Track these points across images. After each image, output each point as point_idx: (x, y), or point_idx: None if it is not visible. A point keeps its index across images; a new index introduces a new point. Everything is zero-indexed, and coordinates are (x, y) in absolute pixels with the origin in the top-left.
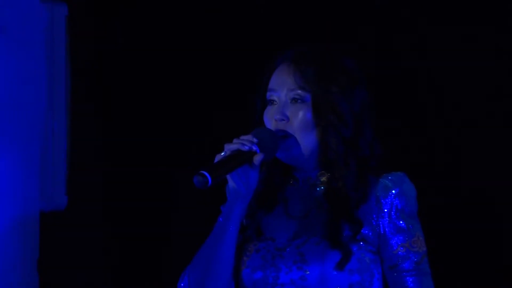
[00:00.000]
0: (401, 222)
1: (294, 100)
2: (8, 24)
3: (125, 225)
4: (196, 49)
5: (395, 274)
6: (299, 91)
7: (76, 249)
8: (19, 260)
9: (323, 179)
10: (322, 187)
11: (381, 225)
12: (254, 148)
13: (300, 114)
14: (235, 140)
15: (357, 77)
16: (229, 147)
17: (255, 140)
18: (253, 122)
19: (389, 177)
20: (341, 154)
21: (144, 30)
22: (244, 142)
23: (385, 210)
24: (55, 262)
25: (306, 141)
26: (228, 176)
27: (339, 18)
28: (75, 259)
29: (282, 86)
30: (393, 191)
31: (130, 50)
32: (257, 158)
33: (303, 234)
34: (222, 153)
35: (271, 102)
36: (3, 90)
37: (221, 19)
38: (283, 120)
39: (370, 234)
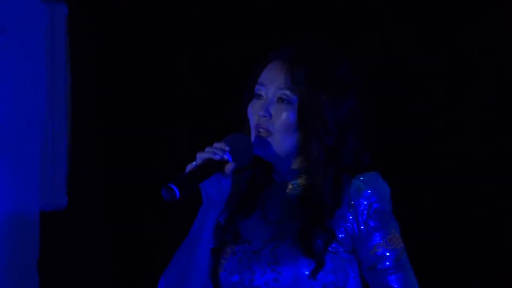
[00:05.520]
0: (375, 222)
1: (281, 99)
2: (8, 24)
3: (125, 225)
4: (198, 46)
5: (375, 274)
6: (287, 92)
7: (76, 248)
8: (19, 259)
9: (300, 181)
10: (299, 190)
11: (355, 227)
12: (226, 156)
13: (284, 114)
14: (207, 149)
15: (349, 84)
16: (201, 156)
17: (227, 148)
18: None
19: (361, 178)
20: (322, 162)
21: (144, 29)
22: (215, 151)
23: (358, 212)
24: (55, 261)
25: (285, 142)
26: (200, 185)
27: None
28: (75, 258)
29: (271, 82)
30: (366, 192)
31: (131, 49)
32: (229, 167)
33: (278, 237)
34: (194, 163)
35: (258, 96)
36: (3, 90)
37: (219, 14)
38: (266, 117)
39: (344, 236)
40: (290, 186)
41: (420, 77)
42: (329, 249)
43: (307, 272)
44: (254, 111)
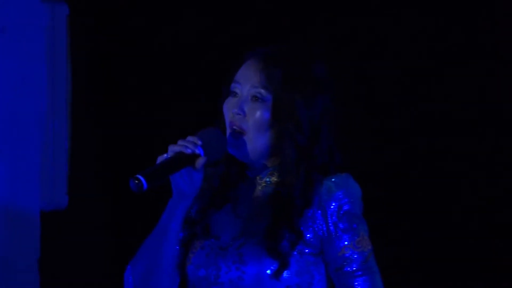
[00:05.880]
0: (344, 223)
1: (255, 97)
2: (8, 24)
3: (126, 225)
4: (198, 47)
5: (342, 276)
6: (262, 90)
7: (77, 248)
8: (20, 259)
9: (273, 179)
10: (270, 188)
11: (323, 228)
12: (198, 151)
13: (258, 113)
14: (179, 142)
15: (323, 84)
16: (173, 149)
17: (199, 142)
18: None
19: (333, 179)
20: (293, 161)
21: (144, 29)
22: (187, 145)
23: (328, 213)
24: (56, 261)
25: (258, 141)
26: (170, 177)
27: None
28: (75, 258)
29: (247, 81)
30: (336, 194)
31: (131, 49)
32: (200, 162)
33: (245, 234)
34: (165, 155)
35: (233, 93)
36: (3, 90)
37: (219, 15)
38: (240, 114)
39: (311, 236)
40: (262, 184)
41: (416, 77)
42: (295, 250)
43: (269, 272)
44: (229, 108)
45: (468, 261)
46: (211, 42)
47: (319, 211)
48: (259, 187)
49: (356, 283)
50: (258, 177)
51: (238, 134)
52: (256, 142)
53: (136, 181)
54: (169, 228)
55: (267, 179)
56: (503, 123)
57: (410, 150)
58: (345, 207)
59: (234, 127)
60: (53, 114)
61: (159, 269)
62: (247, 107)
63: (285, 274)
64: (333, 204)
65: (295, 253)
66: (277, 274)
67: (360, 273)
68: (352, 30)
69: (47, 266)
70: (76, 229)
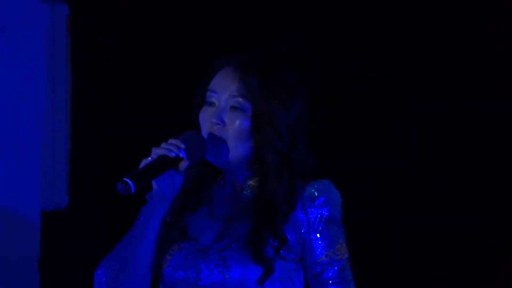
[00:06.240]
0: (325, 230)
1: (234, 107)
2: (8, 24)
3: (126, 225)
4: (198, 47)
5: (318, 283)
6: (240, 99)
7: (77, 248)
8: (20, 259)
9: (251, 182)
10: (249, 191)
11: (306, 234)
12: (181, 154)
13: (237, 122)
14: (162, 145)
15: (297, 90)
16: (156, 152)
17: (182, 145)
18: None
19: (315, 185)
20: (276, 167)
21: (144, 29)
22: (171, 148)
23: (310, 219)
24: (56, 261)
25: (238, 149)
26: (153, 181)
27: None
28: (76, 258)
29: (224, 90)
30: (319, 200)
31: (131, 49)
32: (183, 165)
33: (226, 237)
34: (149, 158)
35: (210, 103)
36: (3, 90)
37: (219, 15)
38: (219, 124)
39: (294, 241)
40: (239, 186)
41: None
42: (279, 256)
43: (255, 278)
44: (206, 118)
45: (468, 261)
46: (211, 42)
47: (301, 216)
48: (236, 190)
49: None
50: (235, 180)
51: (218, 141)
52: (236, 151)
53: (124, 184)
54: (147, 229)
55: (246, 183)
56: (503, 123)
57: (410, 149)
58: (327, 214)
59: (214, 137)
60: (53, 114)
61: (134, 269)
62: (226, 117)
63: (269, 280)
64: (316, 210)
65: (279, 259)
66: (262, 280)
67: (337, 280)
68: (352, 30)
69: (47, 266)
70: (76, 229)
